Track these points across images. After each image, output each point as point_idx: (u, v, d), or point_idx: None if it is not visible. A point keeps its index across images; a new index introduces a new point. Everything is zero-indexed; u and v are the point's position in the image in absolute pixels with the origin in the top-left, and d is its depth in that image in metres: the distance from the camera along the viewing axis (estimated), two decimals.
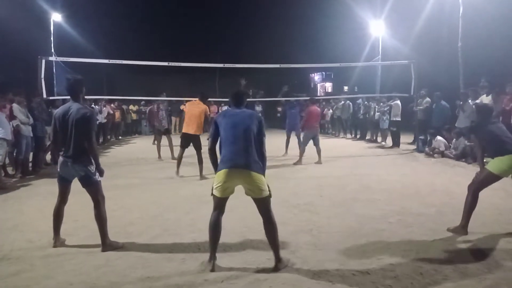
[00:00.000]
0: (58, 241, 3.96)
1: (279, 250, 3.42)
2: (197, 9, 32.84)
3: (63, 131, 3.81)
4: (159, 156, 10.24)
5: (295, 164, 9.14)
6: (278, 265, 3.39)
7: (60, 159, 3.89)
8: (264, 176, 3.41)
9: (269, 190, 3.42)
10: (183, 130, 7.75)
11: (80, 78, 3.99)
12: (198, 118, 7.54)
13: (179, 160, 7.75)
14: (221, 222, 3.45)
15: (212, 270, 3.35)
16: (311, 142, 9.38)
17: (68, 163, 3.81)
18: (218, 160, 3.48)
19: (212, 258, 3.41)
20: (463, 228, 4.26)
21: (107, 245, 3.84)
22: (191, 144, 7.62)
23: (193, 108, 7.69)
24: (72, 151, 3.78)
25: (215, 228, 3.42)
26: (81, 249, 3.92)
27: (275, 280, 3.18)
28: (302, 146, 9.42)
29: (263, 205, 3.40)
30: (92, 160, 3.85)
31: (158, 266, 3.48)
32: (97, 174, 3.92)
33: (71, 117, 3.76)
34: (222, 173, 3.33)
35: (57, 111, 3.95)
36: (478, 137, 4.54)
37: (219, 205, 3.45)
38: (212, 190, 3.42)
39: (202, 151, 7.37)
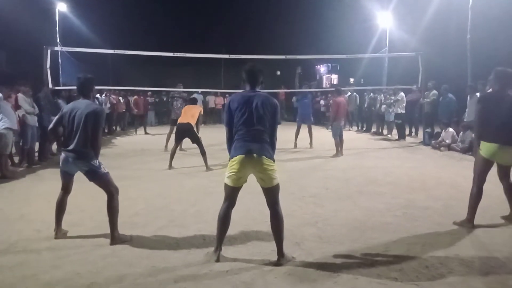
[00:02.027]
0: (59, 232, 3.97)
1: (283, 246, 3.36)
2: (204, 1, 32.67)
3: (69, 126, 3.82)
4: (166, 146, 10.24)
5: (334, 156, 9.00)
6: (281, 260, 3.32)
7: (62, 155, 3.89)
8: (273, 160, 3.33)
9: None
10: (178, 121, 7.94)
11: (91, 77, 4.01)
12: (193, 113, 7.82)
13: (172, 154, 7.80)
14: (231, 215, 3.40)
15: (217, 260, 3.35)
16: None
17: (69, 158, 3.81)
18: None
19: (218, 249, 3.40)
20: (469, 221, 4.20)
21: (116, 238, 3.82)
22: (189, 139, 7.76)
23: (188, 108, 8.10)
24: (75, 146, 3.77)
25: (225, 220, 3.37)
26: (87, 239, 3.94)
27: (280, 272, 3.18)
28: (336, 137, 9.14)
29: (272, 195, 3.32)
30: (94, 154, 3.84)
31: (163, 257, 3.50)
32: (102, 166, 3.90)
33: (79, 112, 3.76)
34: (236, 160, 3.24)
35: (66, 107, 3.97)
36: (485, 109, 4.08)
37: (231, 195, 3.35)
38: (225, 179, 3.34)
39: (202, 143, 7.56)
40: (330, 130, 9.46)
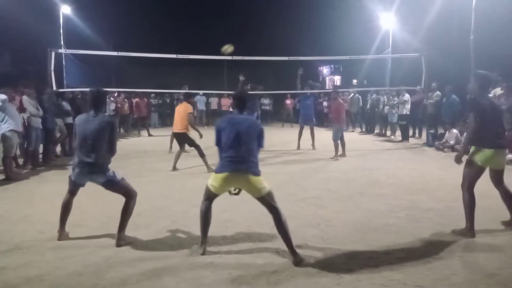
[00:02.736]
0: (63, 234, 3.99)
1: (293, 244, 3.41)
2: (206, 2, 32.72)
3: (82, 138, 3.80)
4: (170, 148, 10.28)
5: (333, 158, 8.89)
6: (297, 258, 3.35)
7: (76, 170, 3.86)
8: (259, 175, 3.52)
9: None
10: (172, 129, 8.08)
11: (103, 90, 4.05)
12: (182, 118, 7.76)
13: (177, 157, 7.84)
14: (211, 210, 3.67)
15: (203, 253, 3.53)
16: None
17: (84, 172, 3.81)
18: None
19: (203, 242, 3.61)
20: (469, 230, 4.00)
21: (121, 239, 3.81)
22: (186, 143, 7.82)
23: (179, 108, 8.02)
24: (94, 159, 3.76)
25: (206, 215, 3.64)
26: (90, 240, 3.96)
27: (283, 273, 3.18)
28: (336, 140, 9.02)
29: (266, 201, 3.51)
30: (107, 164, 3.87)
31: (166, 258, 3.51)
32: (116, 174, 3.90)
33: (95, 124, 3.79)
34: (221, 176, 3.49)
35: (78, 117, 4.00)
36: (480, 115, 4.01)
37: (211, 198, 3.66)
38: (208, 184, 3.61)
39: (199, 145, 7.59)
40: (332, 131, 9.39)
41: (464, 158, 4.21)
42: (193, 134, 7.83)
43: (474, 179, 4.07)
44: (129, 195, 3.92)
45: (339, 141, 9.06)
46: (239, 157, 3.47)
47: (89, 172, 3.81)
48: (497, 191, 4.29)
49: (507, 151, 4.01)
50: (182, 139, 7.81)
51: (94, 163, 3.77)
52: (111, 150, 3.90)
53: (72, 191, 4.03)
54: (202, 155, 7.56)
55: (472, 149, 4.13)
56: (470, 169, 4.08)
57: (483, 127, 4.00)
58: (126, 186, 3.95)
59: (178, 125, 7.79)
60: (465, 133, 9.47)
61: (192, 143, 7.70)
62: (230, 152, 3.50)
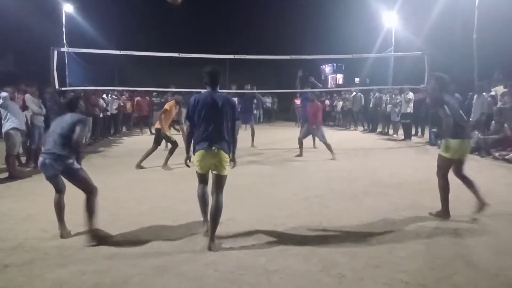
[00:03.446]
0: (65, 231, 4.01)
1: (215, 231, 3.71)
2: (208, 1, 32.69)
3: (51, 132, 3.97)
4: (166, 146, 10.28)
5: (332, 158, 8.75)
6: (211, 246, 3.63)
7: (40, 158, 3.99)
8: (229, 156, 3.84)
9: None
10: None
11: (78, 96, 4.33)
12: (161, 112, 8.15)
13: (146, 154, 8.10)
14: (207, 191, 3.96)
15: (207, 231, 3.82)
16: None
17: (46, 160, 3.89)
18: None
19: (205, 221, 3.92)
20: (445, 213, 4.53)
21: (91, 238, 3.81)
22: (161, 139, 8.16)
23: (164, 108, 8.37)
24: (53, 148, 3.88)
25: (204, 197, 3.97)
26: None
27: (285, 272, 3.18)
28: (324, 140, 8.92)
29: (220, 182, 3.80)
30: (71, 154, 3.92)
31: (169, 256, 3.51)
32: (75, 163, 3.93)
33: (64, 120, 3.95)
34: (199, 154, 3.78)
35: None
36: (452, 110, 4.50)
37: (202, 179, 3.96)
38: (195, 167, 3.90)
39: (175, 142, 7.93)
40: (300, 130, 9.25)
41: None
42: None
43: (447, 169, 4.61)
44: (90, 190, 3.93)
45: (326, 140, 8.92)
46: (213, 132, 3.70)
47: (51, 161, 3.87)
48: (497, 192, 4.32)
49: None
50: (157, 135, 8.08)
51: (55, 153, 3.86)
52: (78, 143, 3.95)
53: (57, 188, 4.06)
54: (171, 152, 7.87)
55: (442, 142, 4.63)
56: (442, 161, 4.61)
57: (452, 118, 4.45)
58: (85, 177, 3.96)
59: (158, 121, 8.18)
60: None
61: (168, 139, 8.03)
62: (204, 127, 3.72)
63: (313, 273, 3.17)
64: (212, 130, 3.71)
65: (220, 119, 3.73)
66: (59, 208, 4.03)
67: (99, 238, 3.85)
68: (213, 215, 3.71)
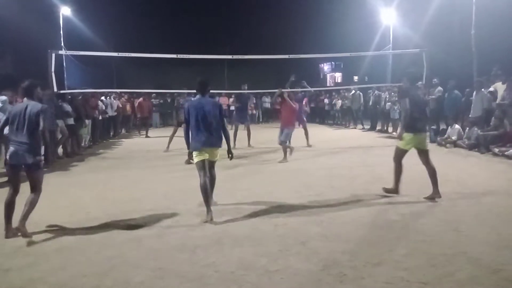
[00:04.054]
0: (11, 232, 4.07)
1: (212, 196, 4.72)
2: (206, 1, 32.69)
3: (17, 124, 4.13)
4: (168, 148, 10.30)
5: (282, 161, 8.35)
6: (208, 216, 4.41)
7: (11, 148, 4.13)
8: (220, 147, 4.76)
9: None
10: None
11: (34, 81, 4.44)
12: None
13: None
14: (207, 181, 4.62)
15: (212, 219, 4.39)
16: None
17: (19, 151, 4.07)
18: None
19: (209, 211, 4.48)
20: (395, 191, 5.29)
21: (20, 230, 3.98)
22: None
23: None
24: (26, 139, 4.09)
25: (205, 188, 4.58)
26: (93, 240, 3.96)
27: (286, 271, 3.18)
28: (285, 143, 8.45)
29: (212, 164, 4.82)
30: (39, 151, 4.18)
31: (169, 257, 3.51)
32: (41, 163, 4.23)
33: (27, 111, 4.13)
34: (196, 149, 4.69)
35: (13, 108, 4.48)
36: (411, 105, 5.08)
37: (201, 166, 4.65)
38: (195, 161, 4.73)
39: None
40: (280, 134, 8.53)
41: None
42: None
43: (401, 156, 5.27)
44: (38, 189, 4.21)
45: (287, 144, 8.49)
46: (206, 130, 4.61)
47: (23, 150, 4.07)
48: (497, 188, 4.33)
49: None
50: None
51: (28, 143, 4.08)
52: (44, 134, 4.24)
53: (15, 184, 4.18)
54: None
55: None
56: (396, 150, 5.31)
57: (408, 114, 5.06)
58: (42, 178, 4.29)
59: None
60: (467, 128, 9.45)
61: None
62: (199, 129, 4.62)
63: (314, 272, 3.17)
64: (204, 130, 4.60)
65: (209, 120, 4.61)
66: (10, 206, 4.13)
67: (24, 235, 3.98)
68: (211, 183, 4.74)
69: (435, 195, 5.09)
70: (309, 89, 10.40)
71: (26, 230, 4.01)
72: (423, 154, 5.23)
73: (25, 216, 4.03)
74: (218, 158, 4.83)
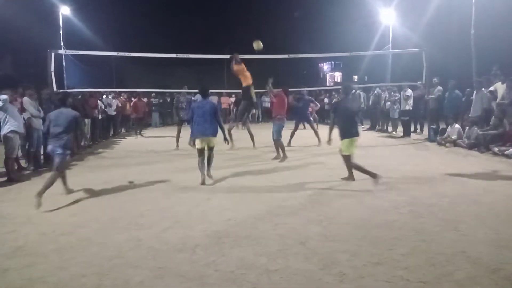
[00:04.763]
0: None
1: (210, 169, 6.55)
2: (206, 0, 32.68)
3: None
4: (177, 146, 10.37)
5: (278, 159, 8.37)
6: (208, 175, 6.53)
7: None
8: (215, 136, 6.39)
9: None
10: None
11: (68, 93, 5.68)
12: None
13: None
14: (204, 161, 6.44)
15: (203, 182, 6.30)
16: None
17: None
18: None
19: (202, 175, 6.36)
20: (350, 177, 6.19)
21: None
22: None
23: None
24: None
25: (202, 163, 6.44)
26: (93, 241, 3.96)
27: (286, 271, 3.18)
28: (278, 139, 8.38)
29: (211, 148, 6.50)
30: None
31: (169, 257, 3.51)
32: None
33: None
34: (198, 139, 6.42)
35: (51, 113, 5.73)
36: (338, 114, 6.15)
37: (200, 152, 6.43)
38: (196, 147, 6.49)
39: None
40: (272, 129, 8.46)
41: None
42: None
43: (349, 161, 6.06)
44: (63, 172, 5.63)
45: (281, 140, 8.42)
46: (205, 123, 6.27)
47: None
48: (497, 187, 4.33)
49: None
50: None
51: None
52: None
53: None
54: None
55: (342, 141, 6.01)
56: (343, 157, 6.09)
57: (341, 123, 6.02)
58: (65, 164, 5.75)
59: None
60: (467, 128, 9.44)
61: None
62: (199, 123, 6.29)
63: (314, 272, 3.17)
64: (205, 123, 6.28)
65: (207, 116, 6.29)
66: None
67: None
68: (208, 160, 6.52)
69: (349, 178, 6.24)
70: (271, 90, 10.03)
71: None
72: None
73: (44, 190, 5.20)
74: (213, 145, 6.46)
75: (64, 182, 5.78)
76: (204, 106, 6.34)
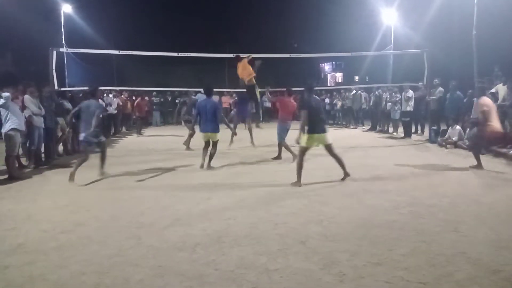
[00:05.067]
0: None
1: (211, 161, 7.49)
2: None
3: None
4: (188, 146, 10.30)
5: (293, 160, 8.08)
6: (208, 166, 7.47)
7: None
8: (218, 132, 7.46)
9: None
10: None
11: (96, 86, 7.40)
12: None
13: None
14: (207, 150, 7.51)
15: (202, 166, 7.44)
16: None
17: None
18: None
19: (203, 160, 7.44)
20: (297, 183, 6.05)
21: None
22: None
23: None
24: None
25: (205, 152, 7.51)
26: (93, 239, 3.96)
27: (286, 271, 3.18)
28: (283, 141, 8.33)
29: (215, 143, 7.48)
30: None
31: (169, 256, 3.51)
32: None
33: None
34: (203, 134, 7.45)
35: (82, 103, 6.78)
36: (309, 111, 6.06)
37: (206, 145, 7.52)
38: (202, 139, 7.50)
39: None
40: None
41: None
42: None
43: (303, 153, 6.17)
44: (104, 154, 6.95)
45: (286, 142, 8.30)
46: (208, 120, 7.28)
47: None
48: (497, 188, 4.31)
49: None
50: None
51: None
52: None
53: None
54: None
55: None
56: (299, 147, 6.19)
57: (308, 118, 6.04)
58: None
59: None
60: (468, 129, 9.43)
61: None
62: (204, 120, 7.31)
63: (314, 271, 3.17)
64: (207, 121, 7.31)
65: (210, 114, 7.27)
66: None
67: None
68: (211, 154, 7.46)
69: (345, 176, 6.37)
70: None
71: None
72: (328, 148, 6.32)
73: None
74: (216, 140, 7.44)
75: (102, 164, 6.93)
76: (206, 105, 7.26)
